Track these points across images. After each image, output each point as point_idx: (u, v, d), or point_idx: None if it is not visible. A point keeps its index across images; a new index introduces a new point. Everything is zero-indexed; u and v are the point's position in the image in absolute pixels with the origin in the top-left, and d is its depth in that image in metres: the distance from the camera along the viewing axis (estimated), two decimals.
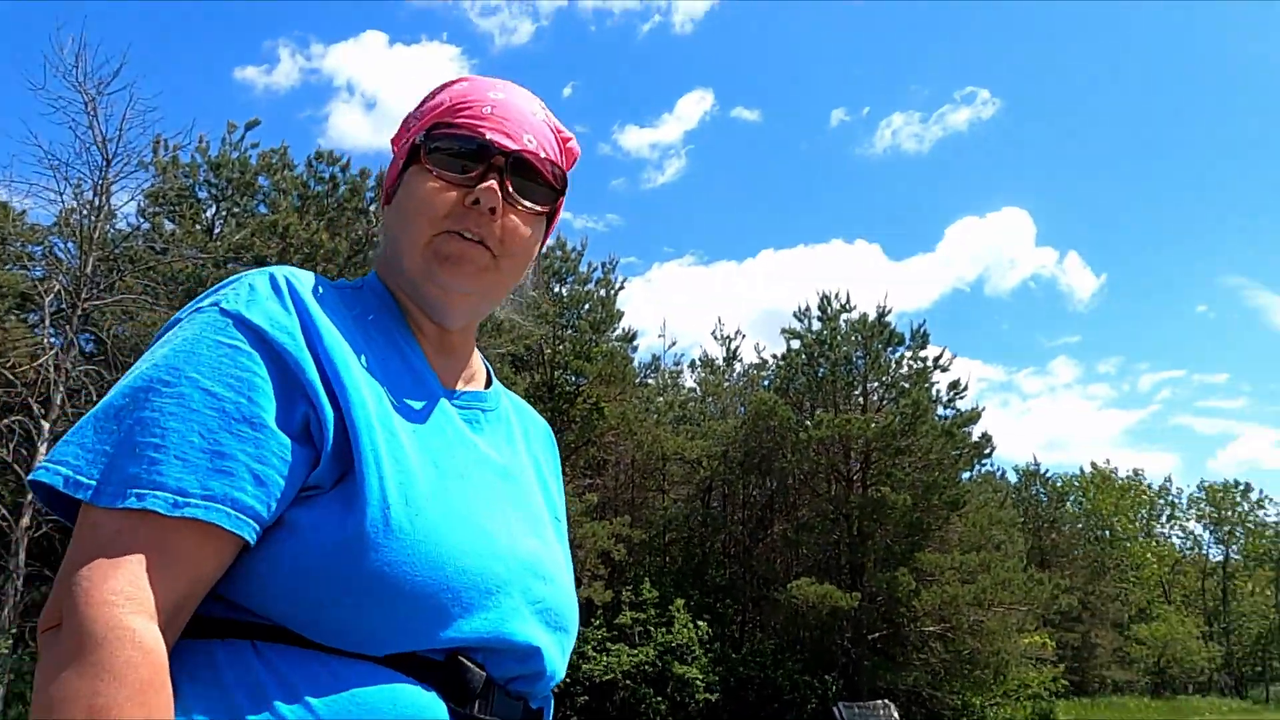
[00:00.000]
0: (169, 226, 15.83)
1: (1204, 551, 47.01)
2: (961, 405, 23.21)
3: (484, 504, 0.92)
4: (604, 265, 23.99)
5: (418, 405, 0.94)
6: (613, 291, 23.36)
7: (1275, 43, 79.78)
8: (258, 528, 0.80)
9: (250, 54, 60.00)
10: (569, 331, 23.11)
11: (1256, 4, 77.77)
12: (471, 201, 0.95)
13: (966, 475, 24.83)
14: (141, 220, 16.08)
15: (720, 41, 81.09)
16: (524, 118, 1.01)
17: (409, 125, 1.06)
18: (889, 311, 23.13)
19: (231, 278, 0.92)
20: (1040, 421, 72.86)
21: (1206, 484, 46.99)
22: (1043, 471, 40.27)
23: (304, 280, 0.92)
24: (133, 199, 14.24)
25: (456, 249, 0.96)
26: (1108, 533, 44.22)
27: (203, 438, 0.78)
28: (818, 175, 76.53)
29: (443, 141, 0.97)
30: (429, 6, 72.23)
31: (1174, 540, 47.47)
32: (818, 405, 23.56)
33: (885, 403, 23.10)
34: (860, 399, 23.39)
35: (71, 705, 0.69)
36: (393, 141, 1.13)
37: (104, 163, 13.11)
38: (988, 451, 23.26)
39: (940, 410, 22.89)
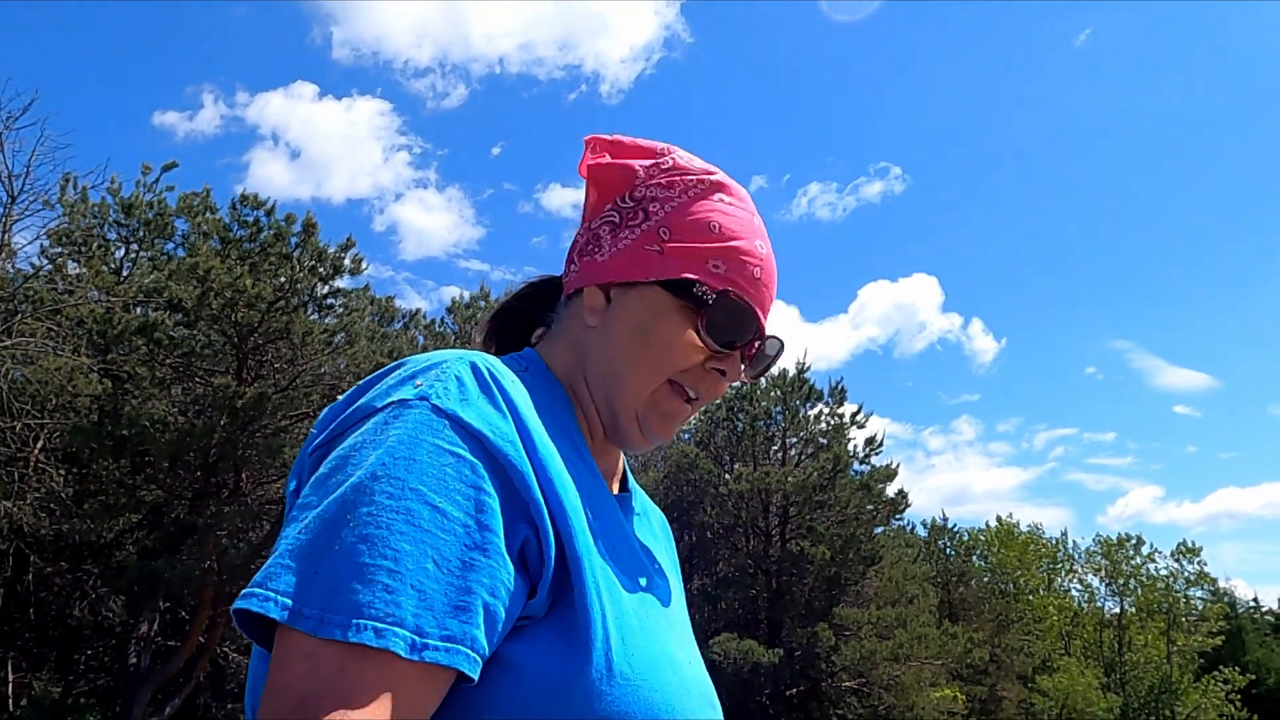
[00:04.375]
0: (73, 268, 15.14)
1: (1100, 604, 48.76)
2: (876, 461, 23.76)
3: (668, 630, 0.87)
4: None
5: (607, 518, 0.87)
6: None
7: (1152, 126, 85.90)
8: (481, 665, 0.71)
9: (172, 98, 58.72)
10: None
11: (1133, 90, 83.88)
12: (716, 369, 0.94)
13: (879, 530, 25.33)
14: (43, 260, 15.36)
15: (648, 109, 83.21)
16: (774, 282, 0.99)
17: (650, 210, 0.97)
18: (808, 368, 23.61)
19: (423, 361, 0.81)
20: (944, 477, 74.98)
21: (1102, 538, 48.95)
22: (951, 526, 41.37)
23: (503, 371, 0.83)
24: (37, 238, 13.62)
25: (676, 409, 0.94)
26: (1012, 586, 45.53)
27: (437, 565, 0.68)
28: None
29: (724, 310, 0.93)
30: (360, 65, 72.13)
31: (1073, 593, 49.13)
32: (737, 459, 23.77)
33: (804, 458, 23.44)
34: (779, 454, 23.69)
35: None
36: (606, 181, 1.01)
37: (8, 199, 12.52)
38: (903, 507, 23.76)
39: (856, 466, 23.34)
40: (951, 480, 74.53)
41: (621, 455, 1.04)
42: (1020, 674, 39.14)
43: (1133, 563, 47.31)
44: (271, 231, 12.17)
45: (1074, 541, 54.79)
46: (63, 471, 14.49)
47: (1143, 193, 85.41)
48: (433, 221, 71.51)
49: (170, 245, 14.69)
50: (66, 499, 14.47)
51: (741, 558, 23.33)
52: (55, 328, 12.80)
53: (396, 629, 0.65)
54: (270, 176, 60.23)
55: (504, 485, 0.74)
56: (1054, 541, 49.44)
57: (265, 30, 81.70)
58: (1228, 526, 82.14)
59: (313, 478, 0.74)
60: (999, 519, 48.07)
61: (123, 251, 16.10)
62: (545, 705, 0.72)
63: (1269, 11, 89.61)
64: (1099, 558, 48.37)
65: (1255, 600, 64.46)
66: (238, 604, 0.67)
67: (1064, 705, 40.21)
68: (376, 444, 0.72)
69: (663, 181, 0.98)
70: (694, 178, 0.99)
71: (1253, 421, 79.65)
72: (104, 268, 14.68)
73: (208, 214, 13.10)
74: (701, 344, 0.92)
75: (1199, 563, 46.73)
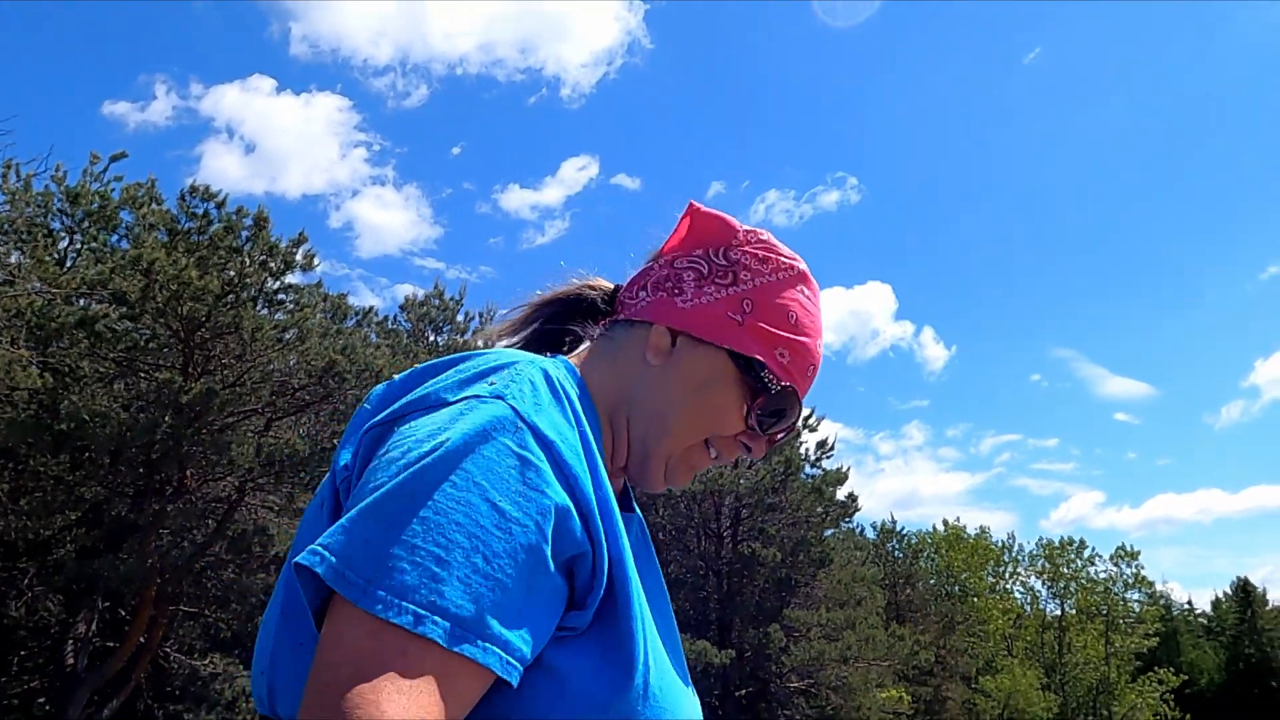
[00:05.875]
0: (14, 257, 14.68)
1: (1042, 606, 49.80)
2: (827, 465, 24.02)
3: (676, 653, 0.89)
4: (481, 315, 23.76)
5: (633, 541, 0.89)
6: (491, 343, 23.09)
7: (1097, 142, 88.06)
8: (521, 672, 0.71)
9: (123, 88, 57.43)
10: None
11: (1079, 107, 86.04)
12: (745, 443, 0.99)
13: (830, 533, 25.61)
14: None
15: (609, 114, 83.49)
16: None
17: (740, 276, 0.99)
18: None
19: (492, 359, 0.82)
20: (893, 481, 76.07)
21: (1045, 541, 50.00)
22: (899, 529, 41.96)
23: (571, 384, 0.84)
24: None
25: (702, 464, 0.99)
26: (958, 588, 46.32)
27: (486, 562, 0.68)
28: None
29: (780, 401, 0.98)
30: (319, 61, 71.21)
31: (1016, 595, 50.10)
32: None
33: (756, 460, 23.59)
34: None
35: None
36: (702, 227, 1.03)
37: None
38: (853, 510, 24.04)
39: (807, 469, 23.57)
40: (901, 484, 75.65)
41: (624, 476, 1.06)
42: (964, 675, 39.83)
43: (1073, 566, 48.40)
44: (221, 224, 11.93)
45: (1019, 545, 55.83)
46: None
47: (1087, 207, 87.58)
48: (389, 219, 70.81)
49: (115, 237, 14.32)
50: (2, 495, 14.05)
51: (693, 559, 23.43)
52: None
53: (436, 618, 0.65)
54: (223, 170, 59.22)
55: (567, 495, 0.74)
56: (999, 545, 50.40)
57: (222, 22, 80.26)
58: (1165, 531, 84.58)
59: (380, 456, 0.74)
60: (946, 522, 48.90)
61: (67, 242, 15.66)
62: (579, 714, 0.72)
63: (1212, 33, 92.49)
64: (1041, 561, 49.40)
65: (1189, 603, 66.40)
66: (298, 559, 0.68)
67: (1005, 705, 41.01)
68: (448, 433, 0.72)
69: (758, 254, 1.00)
70: (786, 261, 1.01)
71: (1189, 430, 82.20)
72: (47, 258, 14.28)
73: (153, 205, 12.79)
74: (744, 419, 0.97)
75: (1136, 566, 47.97)
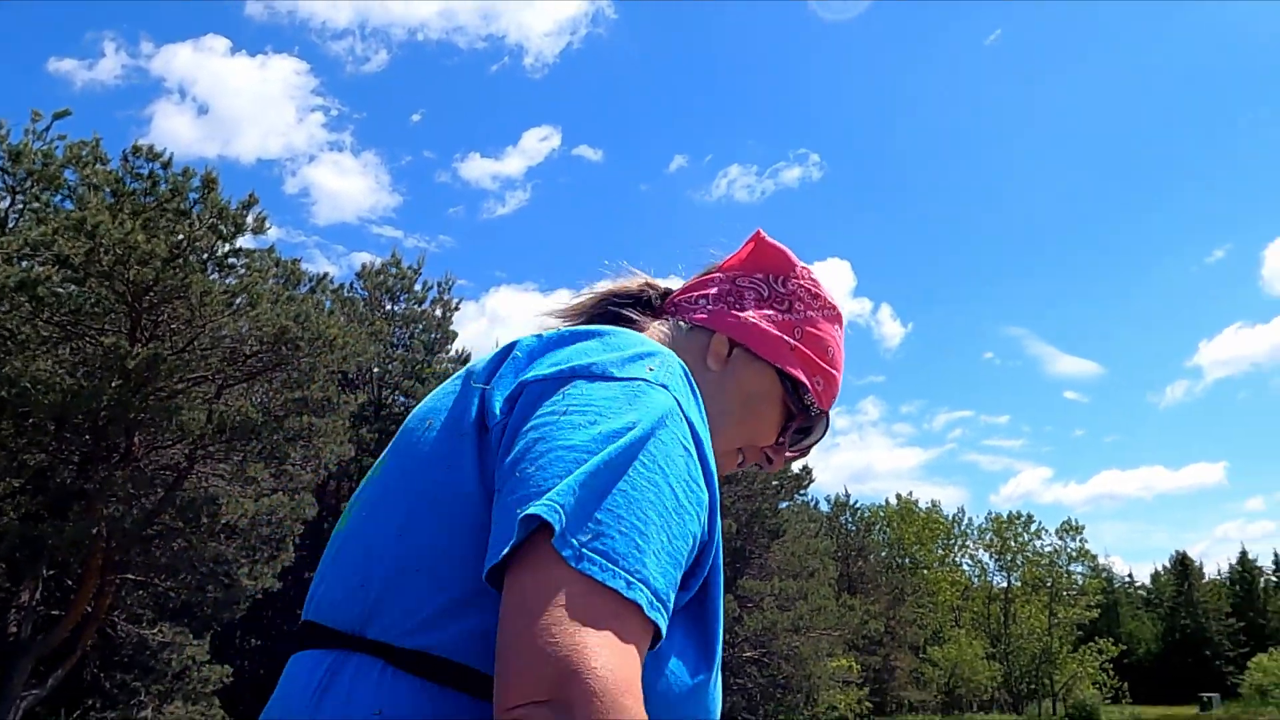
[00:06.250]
0: None
1: (990, 578, 51.02)
2: None
3: None
4: (440, 285, 23.55)
5: None
6: (449, 312, 22.90)
7: (1053, 123, 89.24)
8: None
9: (70, 45, 55.61)
10: (400, 350, 22.43)
11: (1037, 88, 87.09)
12: (769, 454, 1.10)
13: (784, 505, 25.93)
14: None
15: (572, 84, 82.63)
16: None
17: (795, 306, 1.12)
18: None
19: (637, 342, 0.83)
20: (848, 455, 77.22)
21: (994, 515, 51.13)
22: (852, 502, 42.64)
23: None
24: None
25: (728, 469, 1.07)
26: (909, 560, 47.27)
27: (670, 541, 0.71)
28: (655, 215, 79.21)
29: (814, 423, 1.10)
30: (275, 23, 69.43)
31: (964, 567, 51.27)
32: None
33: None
34: None
35: None
36: (764, 254, 1.15)
37: None
38: (807, 483, 24.37)
39: None
40: (856, 458, 76.90)
41: None
42: (913, 645, 40.73)
43: (1020, 540, 49.58)
44: (168, 186, 11.61)
45: (969, 519, 57.01)
46: None
47: (1041, 189, 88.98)
48: (347, 185, 69.74)
49: (58, 198, 13.89)
50: None
51: None
52: None
53: (641, 585, 0.67)
54: (175, 131, 57.83)
55: (707, 490, 0.77)
56: (950, 519, 51.43)
57: None
58: (1109, 507, 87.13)
59: (553, 415, 0.75)
60: (899, 496, 49.77)
61: (8, 202, 15.17)
62: (670, 696, 0.75)
63: (1168, 20, 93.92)
64: (990, 535, 50.56)
65: (1130, 576, 68.54)
66: (537, 511, 0.67)
67: (952, 674, 42.09)
68: (634, 413, 0.74)
69: (810, 289, 1.15)
70: (830, 301, 1.16)
71: (1134, 408, 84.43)
72: None
73: (98, 165, 12.41)
74: (778, 434, 1.08)
75: (1081, 540, 49.27)
